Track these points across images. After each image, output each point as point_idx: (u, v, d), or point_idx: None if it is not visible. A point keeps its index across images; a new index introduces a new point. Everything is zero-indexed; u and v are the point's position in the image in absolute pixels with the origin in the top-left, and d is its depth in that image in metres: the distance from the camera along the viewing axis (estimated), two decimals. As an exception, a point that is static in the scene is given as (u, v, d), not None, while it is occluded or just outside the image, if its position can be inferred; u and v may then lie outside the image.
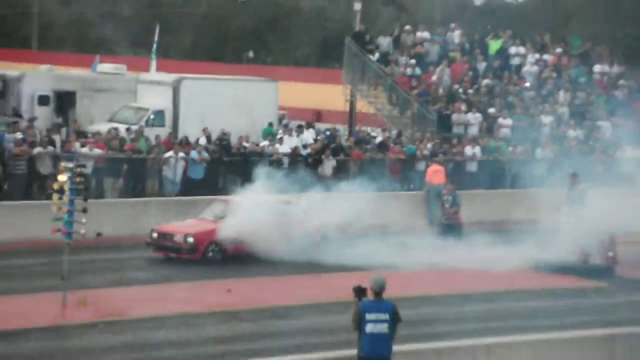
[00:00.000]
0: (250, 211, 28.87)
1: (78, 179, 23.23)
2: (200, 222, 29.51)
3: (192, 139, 38.29)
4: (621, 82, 50.51)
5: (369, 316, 17.25)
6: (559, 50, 51.40)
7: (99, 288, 24.80)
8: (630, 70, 50.98)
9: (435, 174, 37.30)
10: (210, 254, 28.67)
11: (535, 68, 50.53)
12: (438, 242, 31.68)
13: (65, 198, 22.65)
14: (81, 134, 38.28)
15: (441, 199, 35.04)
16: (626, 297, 26.28)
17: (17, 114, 41.64)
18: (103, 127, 39.59)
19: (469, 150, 41.95)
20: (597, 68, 51.05)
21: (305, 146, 40.38)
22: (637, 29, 50.38)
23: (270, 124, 42.19)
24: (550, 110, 47.21)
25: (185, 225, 29.20)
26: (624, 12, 61.88)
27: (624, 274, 28.97)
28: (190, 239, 28.47)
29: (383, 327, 17.23)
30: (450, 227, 33.83)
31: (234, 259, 28.86)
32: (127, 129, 38.52)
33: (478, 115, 45.72)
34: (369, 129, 46.29)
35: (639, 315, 23.74)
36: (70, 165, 23.76)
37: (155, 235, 28.80)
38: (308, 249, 29.32)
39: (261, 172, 31.03)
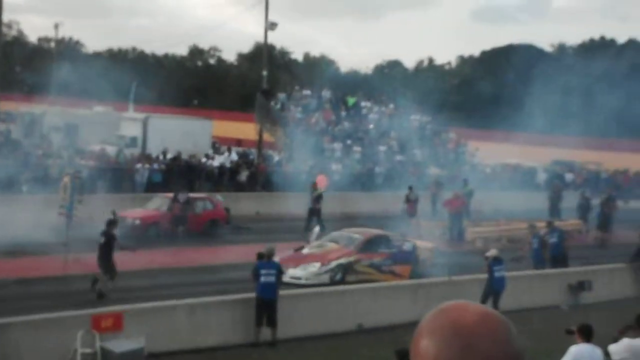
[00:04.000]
0: None
1: (77, 181, 22.90)
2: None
3: (154, 156, 38.01)
4: (428, 126, 51.35)
5: (262, 271, 17.26)
6: (391, 105, 51.92)
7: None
8: (431, 119, 51.83)
9: (322, 181, 37.36)
10: None
11: (377, 115, 50.98)
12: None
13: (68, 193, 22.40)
14: (82, 152, 37.76)
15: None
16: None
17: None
18: (96, 147, 39.18)
19: (334, 166, 42.19)
20: (413, 117, 51.75)
21: (231, 162, 40.38)
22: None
23: (214, 144, 42.08)
24: (384, 142, 47.70)
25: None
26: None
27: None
28: None
29: (271, 278, 17.24)
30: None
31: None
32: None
33: (339, 145, 45.95)
34: (270, 152, 46.24)
35: (436, 269, 23.64)
36: (71, 171, 23.47)
37: None
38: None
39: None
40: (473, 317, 1.66)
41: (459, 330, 1.64)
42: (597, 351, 10.29)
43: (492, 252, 20.50)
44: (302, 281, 21.64)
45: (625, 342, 10.16)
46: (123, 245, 20.71)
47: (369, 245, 23.30)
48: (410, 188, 33.98)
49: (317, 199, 31.77)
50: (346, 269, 22.47)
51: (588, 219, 35.16)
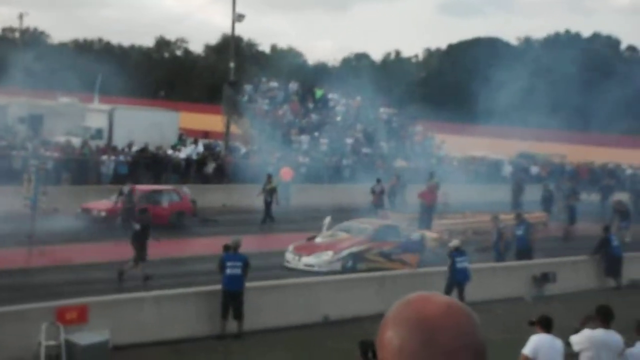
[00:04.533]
0: None
1: (41, 172, 22.71)
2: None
3: (120, 148, 37.69)
4: (394, 118, 51.55)
5: (228, 263, 17.23)
6: (358, 98, 52.04)
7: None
8: (398, 111, 52.03)
9: (286, 173, 37.44)
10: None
11: (344, 108, 51.05)
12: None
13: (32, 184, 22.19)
14: (46, 143, 37.31)
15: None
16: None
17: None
18: (61, 139, 38.75)
19: (301, 159, 42.18)
20: (382, 109, 51.90)
21: (197, 154, 40.16)
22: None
23: (180, 138, 41.76)
24: (352, 134, 47.80)
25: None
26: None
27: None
28: None
29: (237, 271, 17.22)
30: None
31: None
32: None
33: (306, 137, 45.95)
34: (237, 144, 46.12)
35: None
36: (36, 162, 23.25)
37: None
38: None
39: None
40: (437, 309, 1.68)
41: (422, 322, 1.66)
42: (557, 342, 10.44)
43: (454, 243, 20.64)
44: (315, 269, 22.66)
45: (585, 333, 10.31)
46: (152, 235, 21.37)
47: (379, 234, 24.40)
48: (378, 180, 34.27)
49: (271, 192, 31.56)
50: (357, 257, 23.54)
51: (551, 211, 35.55)
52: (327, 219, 26.16)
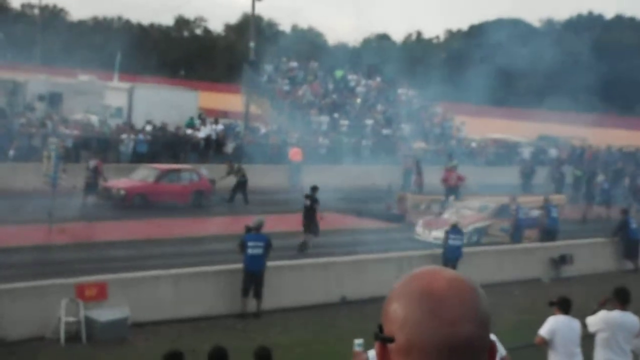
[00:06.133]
0: None
1: (61, 150, 22.85)
2: None
3: (140, 127, 37.81)
4: (414, 100, 51.30)
5: (250, 244, 17.32)
6: (378, 79, 51.88)
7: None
8: (419, 93, 51.70)
9: (296, 154, 37.49)
10: None
11: (364, 89, 50.91)
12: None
13: (52, 162, 22.33)
14: (66, 121, 37.53)
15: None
16: (410, 234, 26.26)
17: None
18: (80, 117, 38.94)
19: (320, 140, 42.11)
20: (400, 90, 51.70)
21: (217, 134, 40.18)
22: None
23: (192, 118, 41.64)
24: (371, 115, 47.68)
25: None
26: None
27: (410, 220, 29.34)
28: None
29: (259, 251, 17.30)
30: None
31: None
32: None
33: (326, 118, 45.90)
34: (257, 124, 46.13)
35: (416, 243, 24.03)
36: (56, 140, 23.40)
37: None
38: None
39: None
40: (441, 282, 1.71)
41: (426, 294, 1.69)
42: (574, 323, 10.45)
43: (453, 220, 21.37)
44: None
45: (601, 314, 10.31)
46: (320, 211, 23.51)
47: (501, 211, 26.27)
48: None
49: (238, 173, 31.31)
50: (481, 232, 25.86)
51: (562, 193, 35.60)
52: (450, 199, 28.67)
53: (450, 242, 20.27)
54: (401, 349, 1.69)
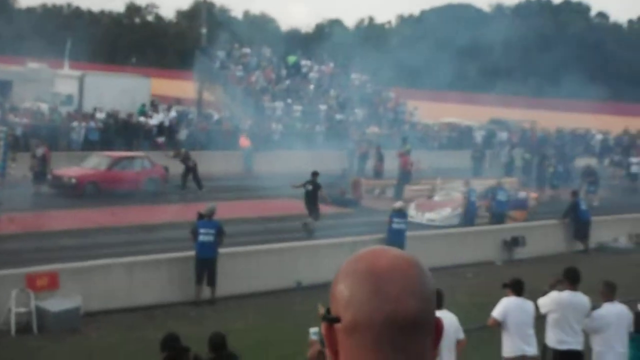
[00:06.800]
0: None
1: (10, 138, 22.41)
2: None
3: (91, 114, 37.27)
4: (367, 85, 51.36)
5: (201, 230, 17.17)
6: (331, 64, 51.80)
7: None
8: (371, 78, 51.79)
9: (244, 141, 37.43)
10: None
11: (317, 74, 50.80)
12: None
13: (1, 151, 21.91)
14: (15, 109, 36.83)
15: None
16: (365, 219, 26.47)
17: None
18: (30, 105, 38.27)
19: (274, 126, 42.00)
20: (353, 75, 51.70)
21: (170, 121, 39.78)
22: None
23: (144, 105, 41.14)
24: (325, 101, 47.62)
25: None
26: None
27: (365, 205, 29.44)
28: None
29: (210, 238, 17.16)
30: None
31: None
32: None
33: (280, 104, 45.74)
34: (210, 110, 45.81)
35: (371, 227, 23.99)
36: (4, 129, 22.94)
37: None
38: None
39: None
40: (384, 260, 1.72)
41: (371, 273, 1.70)
42: (527, 304, 10.53)
43: (397, 204, 21.16)
44: (437, 223, 25.38)
45: (552, 295, 10.41)
46: (325, 195, 24.62)
47: (488, 193, 26.92)
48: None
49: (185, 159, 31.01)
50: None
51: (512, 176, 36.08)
52: (439, 180, 29.96)
53: (394, 225, 20.15)
54: (347, 327, 1.71)
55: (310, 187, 24.34)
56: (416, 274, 1.72)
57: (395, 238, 19.71)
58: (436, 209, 26.56)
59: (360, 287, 1.70)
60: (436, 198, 27.83)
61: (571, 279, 10.39)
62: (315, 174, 24.86)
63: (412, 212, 25.93)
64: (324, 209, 25.90)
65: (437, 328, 1.75)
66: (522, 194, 28.38)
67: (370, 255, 1.75)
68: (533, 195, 29.75)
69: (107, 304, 15.88)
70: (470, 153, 40.57)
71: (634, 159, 40.86)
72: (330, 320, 1.73)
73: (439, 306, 9.45)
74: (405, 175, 31.65)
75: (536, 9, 74.22)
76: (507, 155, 39.65)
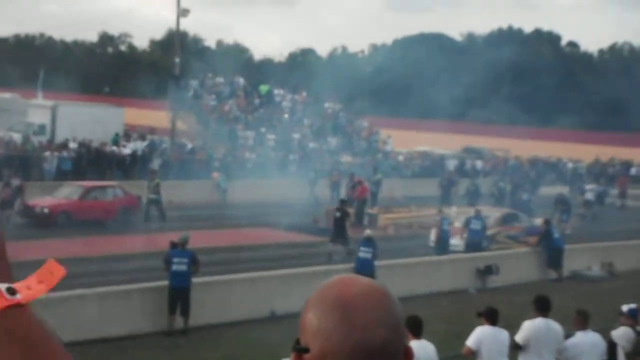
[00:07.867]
0: None
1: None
2: None
3: (63, 144, 37.09)
4: (340, 114, 51.60)
5: (175, 260, 17.05)
6: (304, 93, 51.99)
7: None
8: (345, 107, 52.08)
9: (216, 177, 37.29)
10: None
11: (290, 103, 50.94)
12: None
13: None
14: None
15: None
16: (338, 247, 26.21)
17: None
18: (2, 135, 38.00)
19: (247, 154, 41.95)
20: (327, 104, 51.89)
21: (142, 150, 39.65)
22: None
23: (117, 134, 40.96)
24: (299, 129, 47.71)
25: None
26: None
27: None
28: None
29: (183, 267, 17.04)
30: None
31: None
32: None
33: (252, 133, 45.78)
34: (183, 140, 45.72)
35: (344, 256, 23.96)
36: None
37: None
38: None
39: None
40: (353, 289, 1.70)
41: (339, 302, 1.68)
42: (502, 333, 10.52)
43: (366, 232, 21.15)
44: (457, 248, 25.59)
45: (525, 325, 10.42)
46: (350, 223, 25.62)
47: (505, 220, 28.15)
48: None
49: (155, 188, 30.41)
50: (490, 239, 26.81)
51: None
52: (454, 208, 30.02)
53: (360, 254, 19.98)
54: (316, 357, 1.67)
55: (338, 214, 25.30)
56: (385, 303, 1.69)
57: (362, 267, 19.37)
58: (455, 235, 26.23)
59: (328, 316, 1.67)
60: (457, 224, 27.26)
61: (541, 306, 10.42)
62: (343, 202, 26.45)
63: (433, 239, 25.81)
64: (294, 237, 25.96)
65: (407, 357, 1.71)
66: (535, 221, 28.31)
67: (339, 283, 1.71)
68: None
69: (78, 335, 15.65)
70: (438, 181, 40.66)
71: (587, 186, 40.67)
72: (299, 350, 1.70)
73: (418, 335, 9.42)
74: (363, 202, 33.05)
75: (507, 39, 75.09)
76: (472, 184, 39.61)
